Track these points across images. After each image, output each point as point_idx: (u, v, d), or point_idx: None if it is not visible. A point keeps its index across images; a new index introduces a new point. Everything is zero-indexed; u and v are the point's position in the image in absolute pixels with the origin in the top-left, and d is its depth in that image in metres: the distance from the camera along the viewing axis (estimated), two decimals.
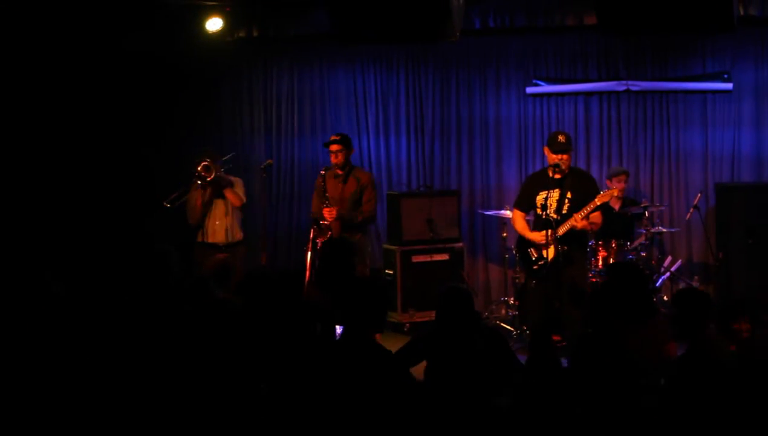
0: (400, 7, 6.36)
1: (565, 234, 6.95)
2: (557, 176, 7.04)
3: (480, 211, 9.44)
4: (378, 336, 5.13)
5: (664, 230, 8.70)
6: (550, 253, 7.05)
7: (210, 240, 8.04)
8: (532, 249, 7.14)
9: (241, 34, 8.93)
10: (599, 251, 8.11)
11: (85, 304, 5.19)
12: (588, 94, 9.55)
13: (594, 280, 8.03)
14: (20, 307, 4.93)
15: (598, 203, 6.93)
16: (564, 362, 4.96)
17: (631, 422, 4.26)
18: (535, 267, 7.10)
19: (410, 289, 8.63)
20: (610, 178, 8.79)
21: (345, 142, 7.87)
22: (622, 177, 8.77)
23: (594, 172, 9.23)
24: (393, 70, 9.71)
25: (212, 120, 9.55)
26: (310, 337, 5.23)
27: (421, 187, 9.51)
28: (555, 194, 7.06)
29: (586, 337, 4.99)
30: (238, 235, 8.12)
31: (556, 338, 6.39)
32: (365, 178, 7.97)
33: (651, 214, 8.51)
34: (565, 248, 6.92)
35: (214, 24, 8.53)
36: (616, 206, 8.67)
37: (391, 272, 8.79)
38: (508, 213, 8.66)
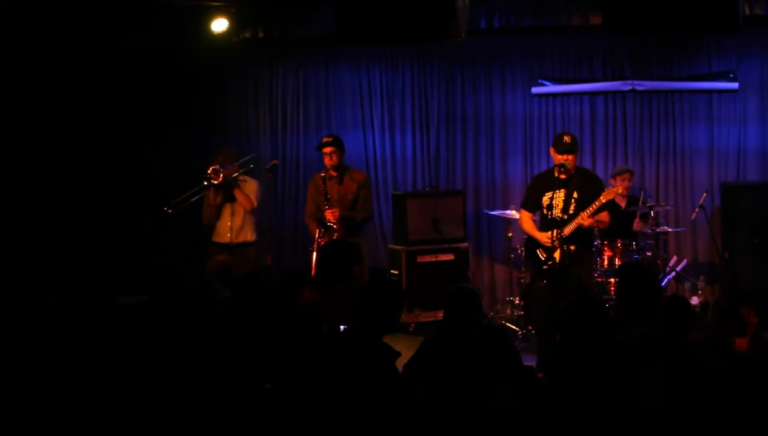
0: (406, 8, 6.36)
1: (572, 234, 6.95)
2: (563, 176, 7.03)
3: (485, 211, 9.44)
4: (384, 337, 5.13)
5: (670, 229, 8.69)
6: (558, 253, 7.05)
7: (216, 240, 8.08)
8: (540, 249, 7.14)
9: (247, 35, 8.95)
10: (605, 250, 8.12)
11: (87, 310, 5.21)
12: (593, 94, 9.55)
13: (599, 279, 8.04)
14: (21, 313, 4.96)
15: (603, 201, 6.93)
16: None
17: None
18: (544, 267, 7.08)
19: (415, 289, 8.64)
20: (614, 176, 8.79)
21: (338, 143, 7.91)
22: (626, 176, 8.76)
23: (599, 171, 9.23)
24: (398, 68, 9.72)
25: (218, 121, 9.58)
26: (317, 337, 5.24)
27: (426, 187, 9.51)
28: (561, 194, 7.06)
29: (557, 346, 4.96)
30: (247, 236, 8.08)
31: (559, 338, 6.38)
32: (361, 178, 8.02)
33: (656, 213, 8.50)
34: (573, 247, 6.91)
35: (219, 25, 8.53)
36: (623, 204, 8.68)
37: (396, 272, 8.80)
38: (513, 213, 8.67)
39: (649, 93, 9.43)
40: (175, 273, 5.66)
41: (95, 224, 8.90)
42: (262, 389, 4.67)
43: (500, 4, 8.72)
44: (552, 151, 7.17)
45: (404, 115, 9.74)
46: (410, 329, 8.53)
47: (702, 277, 9.02)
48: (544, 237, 7.03)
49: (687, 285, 8.96)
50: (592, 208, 6.93)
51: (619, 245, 8.11)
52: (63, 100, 8.84)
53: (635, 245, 8.31)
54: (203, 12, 8.52)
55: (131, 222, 8.99)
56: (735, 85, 9.23)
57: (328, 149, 7.85)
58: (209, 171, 7.85)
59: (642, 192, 8.78)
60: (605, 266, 8.08)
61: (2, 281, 7.69)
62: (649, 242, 8.49)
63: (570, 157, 7.04)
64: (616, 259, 8.10)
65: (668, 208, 8.95)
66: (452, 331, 5.03)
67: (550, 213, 7.07)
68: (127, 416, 4.32)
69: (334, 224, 7.67)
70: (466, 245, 8.93)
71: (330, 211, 7.69)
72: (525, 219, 7.38)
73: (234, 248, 7.95)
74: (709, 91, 9.36)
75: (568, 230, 6.93)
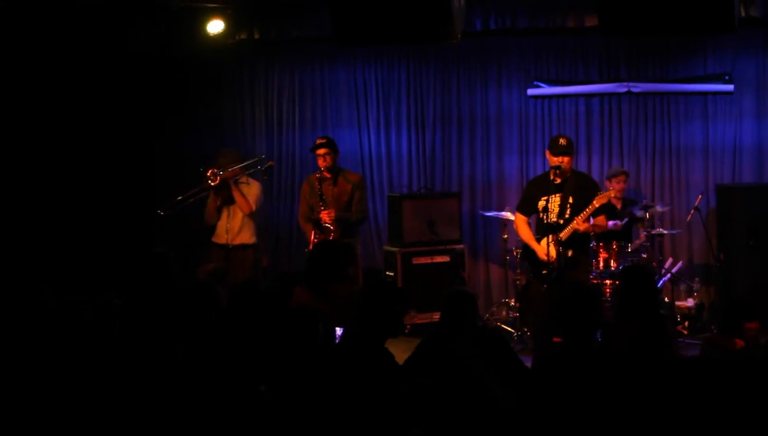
0: (401, 9, 6.34)
1: (569, 238, 6.95)
2: (558, 180, 7.03)
3: (481, 212, 9.44)
4: None
5: (665, 231, 8.70)
6: (555, 257, 7.03)
7: (215, 240, 8.07)
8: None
9: (243, 36, 8.93)
10: (600, 252, 8.11)
11: (85, 308, 5.19)
12: (589, 95, 9.56)
13: (595, 281, 8.03)
14: (17, 311, 4.93)
15: (597, 205, 6.92)
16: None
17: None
18: (544, 272, 7.04)
19: (411, 290, 8.62)
20: (609, 178, 8.80)
21: (331, 145, 7.92)
22: (622, 177, 8.78)
23: (595, 172, 9.25)
24: (394, 68, 9.72)
25: (214, 121, 9.56)
26: (313, 339, 5.22)
27: (422, 188, 9.51)
28: (557, 199, 7.05)
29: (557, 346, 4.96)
30: (245, 239, 7.97)
31: (557, 339, 6.37)
32: (356, 179, 8.03)
33: (652, 215, 8.51)
34: (570, 251, 6.91)
35: (215, 26, 8.53)
36: (618, 205, 8.69)
37: (391, 274, 8.79)
38: (508, 214, 8.67)
39: (644, 95, 9.44)
40: (162, 264, 5.60)
41: (89, 221, 8.89)
42: (257, 392, 4.65)
43: (496, 5, 8.72)
44: (548, 153, 7.16)
45: (400, 116, 9.74)
46: (406, 331, 8.52)
47: (697, 278, 9.05)
48: (541, 252, 6.99)
49: (682, 287, 8.96)
50: (586, 212, 6.93)
51: (614, 247, 8.11)
52: (59, 100, 8.85)
53: (630, 247, 8.31)
54: (199, 13, 8.52)
55: (126, 220, 8.97)
56: (730, 87, 9.26)
57: (321, 151, 7.86)
58: (209, 173, 7.83)
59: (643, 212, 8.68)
60: (600, 268, 8.08)
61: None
62: (644, 244, 8.50)
63: (565, 159, 7.04)
64: (612, 261, 8.10)
65: (664, 211, 8.97)
66: (448, 333, 5.03)
67: (546, 217, 7.05)
68: (119, 416, 4.31)
69: (330, 224, 7.67)
70: (461, 246, 8.92)
71: (326, 211, 7.69)
72: (521, 224, 7.34)
73: (232, 250, 7.92)
74: (705, 94, 9.39)
75: (564, 235, 6.93)
